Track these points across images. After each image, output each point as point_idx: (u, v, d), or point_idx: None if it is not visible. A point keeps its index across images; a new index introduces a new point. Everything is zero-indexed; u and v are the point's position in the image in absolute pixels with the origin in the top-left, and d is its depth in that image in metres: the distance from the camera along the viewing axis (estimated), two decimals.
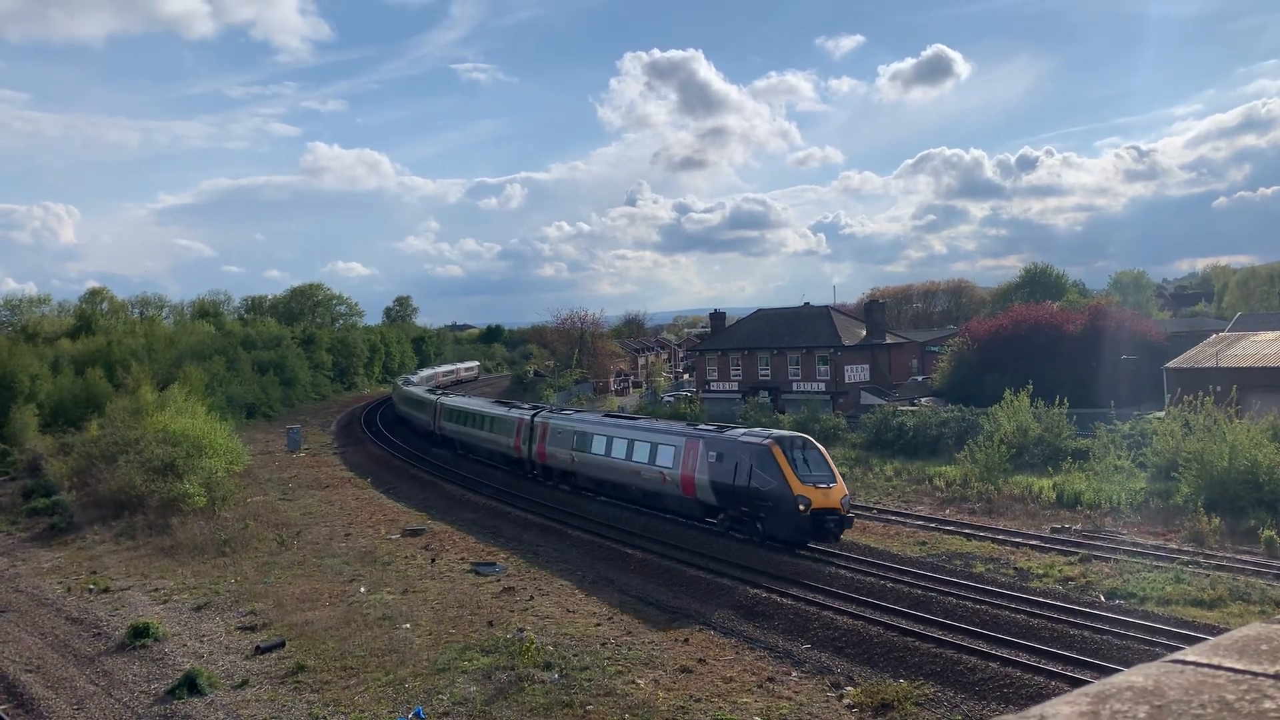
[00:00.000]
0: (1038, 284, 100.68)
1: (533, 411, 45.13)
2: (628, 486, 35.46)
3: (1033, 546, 29.06)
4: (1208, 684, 1.51)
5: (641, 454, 34.07)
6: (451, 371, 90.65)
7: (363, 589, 26.84)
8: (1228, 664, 1.58)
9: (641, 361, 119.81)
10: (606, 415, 42.46)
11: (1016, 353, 57.39)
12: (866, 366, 68.92)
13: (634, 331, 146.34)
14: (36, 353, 68.98)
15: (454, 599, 25.46)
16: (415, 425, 64.41)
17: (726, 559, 28.35)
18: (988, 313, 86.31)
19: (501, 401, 54.75)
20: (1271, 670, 1.53)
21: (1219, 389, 34.14)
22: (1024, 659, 19.10)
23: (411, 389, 70.85)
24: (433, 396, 61.16)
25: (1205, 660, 1.60)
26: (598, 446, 37.00)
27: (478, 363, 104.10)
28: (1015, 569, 26.77)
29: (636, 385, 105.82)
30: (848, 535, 29.39)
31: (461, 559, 30.28)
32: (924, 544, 30.27)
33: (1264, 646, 1.64)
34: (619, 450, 35.60)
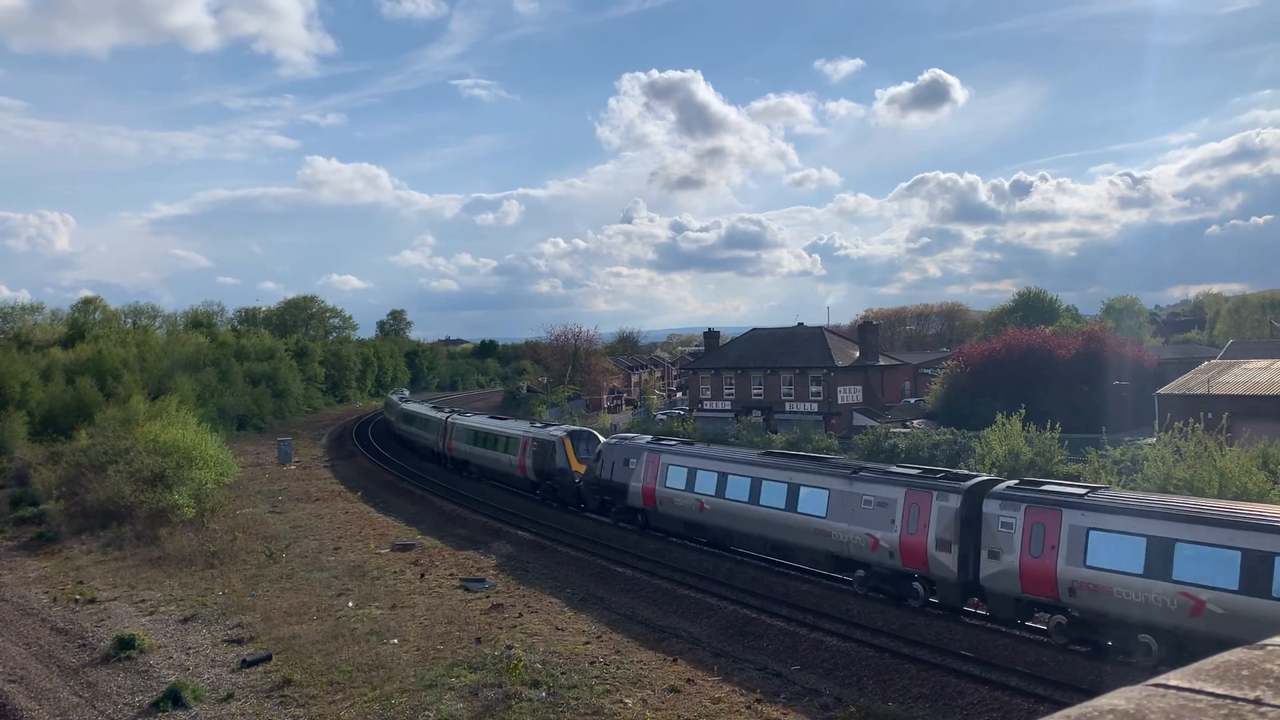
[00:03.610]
0: (1031, 309, 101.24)
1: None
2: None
3: None
4: (1189, 708, 1.52)
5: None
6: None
7: (351, 603, 26.68)
8: (1209, 689, 1.59)
9: (635, 379, 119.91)
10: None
11: (1009, 377, 57.58)
12: (859, 388, 69.02)
13: (628, 349, 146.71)
14: (28, 360, 68.68)
15: (442, 615, 25.32)
16: (416, 445, 63.53)
17: (714, 578, 28.31)
18: (981, 336, 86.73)
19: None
20: (1251, 695, 1.55)
21: (1210, 416, 34.22)
22: (1014, 683, 19.10)
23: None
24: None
25: (1187, 685, 1.62)
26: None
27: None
28: None
29: (630, 403, 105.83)
30: None
31: (451, 575, 30.13)
32: None
33: (1245, 672, 1.66)
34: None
